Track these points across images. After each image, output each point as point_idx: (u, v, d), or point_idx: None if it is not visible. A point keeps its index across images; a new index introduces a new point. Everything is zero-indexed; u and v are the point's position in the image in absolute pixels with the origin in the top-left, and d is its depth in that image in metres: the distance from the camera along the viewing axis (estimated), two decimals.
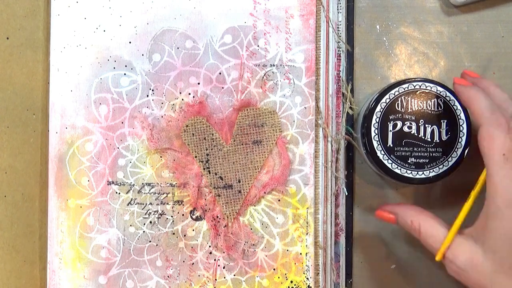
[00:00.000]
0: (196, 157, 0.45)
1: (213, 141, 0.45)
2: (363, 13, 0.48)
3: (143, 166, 0.45)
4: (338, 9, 0.46)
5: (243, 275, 0.45)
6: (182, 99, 0.45)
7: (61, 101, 0.45)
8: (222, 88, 0.45)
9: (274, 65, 0.45)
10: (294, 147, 0.45)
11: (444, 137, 0.41)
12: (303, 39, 0.45)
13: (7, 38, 0.45)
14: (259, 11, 0.45)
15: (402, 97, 0.42)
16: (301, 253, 0.45)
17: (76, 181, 0.45)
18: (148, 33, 0.45)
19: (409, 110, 0.41)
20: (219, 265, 0.45)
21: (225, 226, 0.45)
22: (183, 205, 0.45)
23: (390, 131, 0.41)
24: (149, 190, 0.45)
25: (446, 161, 0.42)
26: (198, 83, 0.45)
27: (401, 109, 0.41)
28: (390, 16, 0.48)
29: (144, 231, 0.45)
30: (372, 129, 0.41)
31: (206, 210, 0.45)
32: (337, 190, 0.46)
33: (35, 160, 0.46)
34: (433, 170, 0.42)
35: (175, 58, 0.45)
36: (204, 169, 0.45)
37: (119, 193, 0.45)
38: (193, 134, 0.45)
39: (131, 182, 0.45)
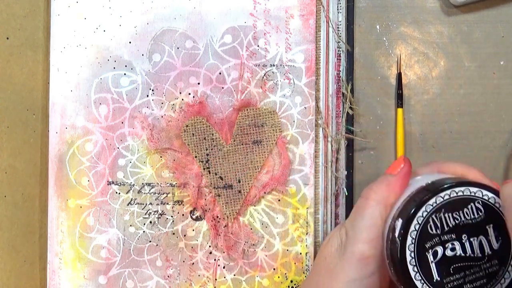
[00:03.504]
0: (196, 157, 0.45)
1: (213, 141, 0.45)
2: (363, 13, 0.48)
3: (143, 166, 0.45)
4: (338, 9, 0.46)
5: (243, 275, 0.45)
6: (182, 99, 0.45)
7: (61, 101, 0.45)
8: (222, 88, 0.45)
9: (274, 65, 0.45)
10: (294, 147, 0.45)
11: (495, 246, 0.33)
12: (303, 39, 0.45)
13: (7, 38, 0.45)
14: (259, 11, 0.45)
15: (433, 216, 0.32)
16: (301, 253, 0.45)
17: (76, 181, 0.45)
18: (148, 33, 0.45)
19: (446, 228, 0.32)
20: (219, 265, 0.45)
21: (225, 226, 0.45)
22: (183, 205, 0.45)
23: (432, 262, 0.32)
24: (149, 190, 0.45)
25: (507, 272, 0.33)
26: (198, 83, 0.45)
27: (436, 231, 0.32)
28: (390, 16, 0.48)
29: (144, 231, 0.45)
30: (410, 268, 0.32)
31: (206, 210, 0.45)
32: (337, 190, 0.46)
33: (35, 160, 0.46)
34: None
35: (175, 58, 0.45)
36: (204, 169, 0.45)
37: (119, 193, 0.45)
38: (193, 134, 0.45)
39: (131, 182, 0.45)
